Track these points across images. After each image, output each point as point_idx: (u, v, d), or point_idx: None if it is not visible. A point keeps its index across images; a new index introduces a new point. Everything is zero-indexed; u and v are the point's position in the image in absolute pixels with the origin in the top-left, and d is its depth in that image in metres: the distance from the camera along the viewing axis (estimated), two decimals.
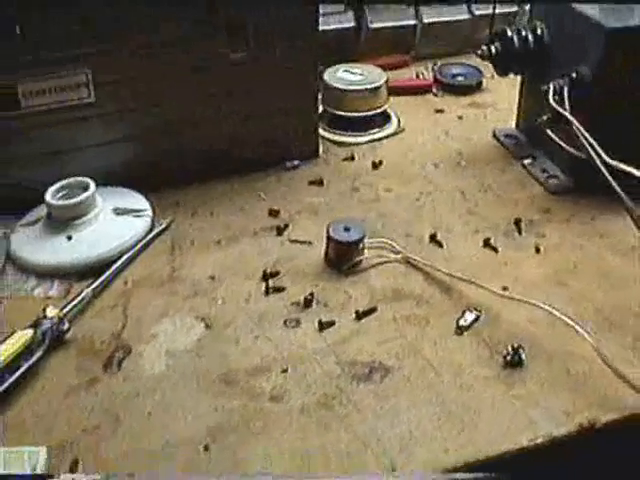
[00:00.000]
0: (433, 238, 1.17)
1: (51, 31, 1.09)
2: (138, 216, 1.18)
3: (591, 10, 1.20)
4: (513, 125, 1.48)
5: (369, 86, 1.44)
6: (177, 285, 1.09)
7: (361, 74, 1.47)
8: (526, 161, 1.36)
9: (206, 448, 0.85)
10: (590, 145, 1.10)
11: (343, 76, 1.46)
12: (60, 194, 1.15)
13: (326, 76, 1.45)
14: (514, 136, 1.45)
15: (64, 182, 1.16)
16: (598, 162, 1.07)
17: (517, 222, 1.20)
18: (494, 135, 1.46)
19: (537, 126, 1.23)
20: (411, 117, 1.54)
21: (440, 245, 1.16)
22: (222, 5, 1.16)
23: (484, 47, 1.33)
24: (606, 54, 1.16)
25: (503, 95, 1.57)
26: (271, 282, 1.08)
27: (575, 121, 1.13)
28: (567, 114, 1.15)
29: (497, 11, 1.75)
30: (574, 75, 1.20)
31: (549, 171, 1.33)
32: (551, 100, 1.18)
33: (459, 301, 1.05)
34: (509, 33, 1.30)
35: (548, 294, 1.06)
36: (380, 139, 1.46)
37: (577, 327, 0.94)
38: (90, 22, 1.11)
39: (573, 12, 1.22)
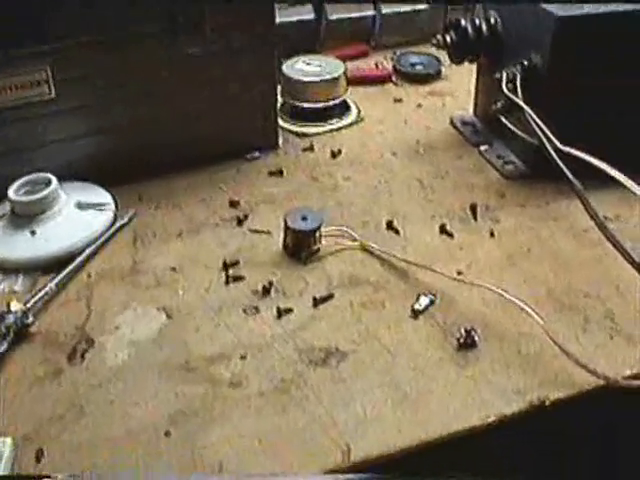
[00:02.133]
0: (390, 225, 1.19)
1: (7, 29, 1.10)
2: (101, 210, 1.20)
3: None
4: (471, 112, 1.50)
5: (327, 77, 1.46)
6: (139, 277, 1.10)
7: (319, 65, 1.48)
8: (482, 147, 1.39)
9: (167, 434, 0.87)
10: (542, 131, 1.12)
11: (302, 67, 1.48)
12: (23, 190, 1.16)
13: (285, 68, 1.47)
14: (471, 123, 1.47)
15: (27, 178, 1.17)
16: (549, 148, 1.10)
17: (473, 207, 1.22)
18: (451, 122, 1.49)
19: (492, 113, 1.26)
20: (370, 107, 1.56)
21: (397, 232, 1.18)
22: (180, 2, 1.17)
23: (439, 36, 1.35)
24: (556, 42, 1.18)
25: (462, 83, 1.58)
26: (231, 271, 1.10)
27: (527, 108, 1.16)
28: (519, 101, 1.18)
29: None
30: (526, 63, 1.22)
31: (505, 157, 1.35)
32: (504, 88, 1.21)
33: (414, 286, 1.07)
34: (463, 22, 1.32)
35: (502, 277, 1.09)
36: (339, 129, 1.47)
37: (527, 309, 0.97)
38: (47, 20, 1.12)
39: (525, 1, 1.24)
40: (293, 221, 1.11)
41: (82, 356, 0.98)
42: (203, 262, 1.13)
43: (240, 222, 1.20)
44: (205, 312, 1.04)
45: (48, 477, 0.83)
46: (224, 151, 1.34)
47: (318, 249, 1.13)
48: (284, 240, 1.14)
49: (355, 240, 1.15)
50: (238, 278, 1.09)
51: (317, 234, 1.12)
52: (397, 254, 1.11)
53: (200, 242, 1.17)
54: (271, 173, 1.33)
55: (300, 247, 1.12)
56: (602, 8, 1.20)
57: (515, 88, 1.20)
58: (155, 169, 1.29)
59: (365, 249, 1.14)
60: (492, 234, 1.17)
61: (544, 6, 1.19)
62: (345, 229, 1.16)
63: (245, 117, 1.34)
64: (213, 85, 1.29)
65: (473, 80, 1.47)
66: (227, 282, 1.09)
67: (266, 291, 1.06)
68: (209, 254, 1.14)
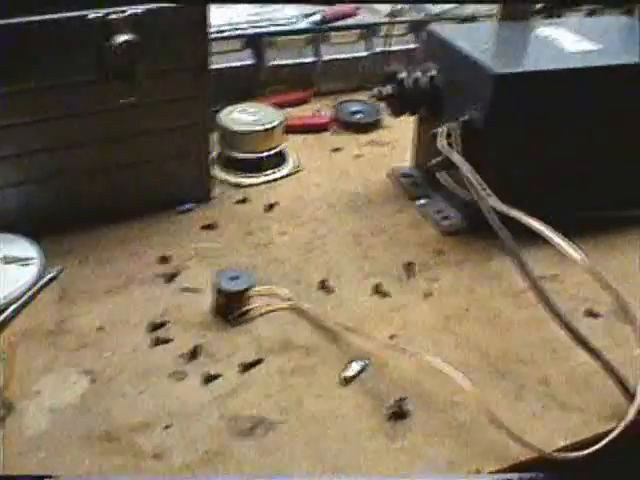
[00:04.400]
0: (323, 284, 1.16)
1: None
2: (26, 264, 1.16)
3: (481, 54, 1.21)
4: (410, 164, 1.48)
5: (264, 127, 1.43)
6: (64, 337, 1.06)
7: (256, 114, 1.45)
8: (421, 201, 1.37)
9: None
10: (478, 189, 1.10)
11: (238, 117, 1.44)
12: None
13: (221, 117, 1.44)
14: (411, 175, 1.45)
15: None
16: (484, 207, 1.08)
17: (409, 266, 1.20)
18: (391, 174, 1.46)
19: (430, 169, 1.24)
20: (308, 156, 1.53)
21: (330, 292, 1.15)
22: (110, 51, 1.14)
23: (377, 89, 1.33)
24: (494, 99, 1.17)
25: (403, 132, 1.55)
26: (158, 333, 1.07)
27: (463, 166, 1.14)
28: (456, 158, 1.16)
29: (396, 48, 1.76)
30: (464, 119, 1.20)
31: (443, 212, 1.33)
32: (440, 144, 1.19)
33: (346, 351, 1.04)
34: (401, 75, 1.31)
35: (436, 341, 1.07)
36: (275, 180, 1.45)
37: (459, 378, 0.94)
38: None
39: (463, 55, 1.23)
40: (223, 281, 1.08)
41: (1, 422, 0.94)
42: (130, 322, 1.09)
43: (170, 279, 1.17)
44: (130, 377, 1.00)
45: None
46: (156, 202, 1.31)
47: (248, 310, 1.09)
48: (214, 300, 1.10)
49: (287, 300, 1.12)
50: (166, 340, 1.06)
51: (247, 295, 1.09)
52: (330, 316, 1.09)
53: (128, 300, 1.13)
54: (204, 227, 1.29)
55: (230, 308, 1.09)
56: (540, 65, 1.20)
57: (452, 144, 1.19)
58: (85, 220, 1.25)
59: (297, 310, 1.11)
60: (428, 294, 1.16)
61: (482, 62, 1.18)
62: (277, 289, 1.13)
63: (177, 168, 1.31)
64: (144, 136, 1.25)
65: (414, 130, 1.44)
66: (154, 344, 1.05)
67: (194, 355, 1.03)
68: (137, 313, 1.10)
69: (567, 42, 1.28)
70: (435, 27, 1.36)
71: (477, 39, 1.27)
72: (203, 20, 1.22)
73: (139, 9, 1.15)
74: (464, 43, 1.25)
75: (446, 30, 1.34)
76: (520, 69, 1.20)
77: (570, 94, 1.19)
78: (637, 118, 1.24)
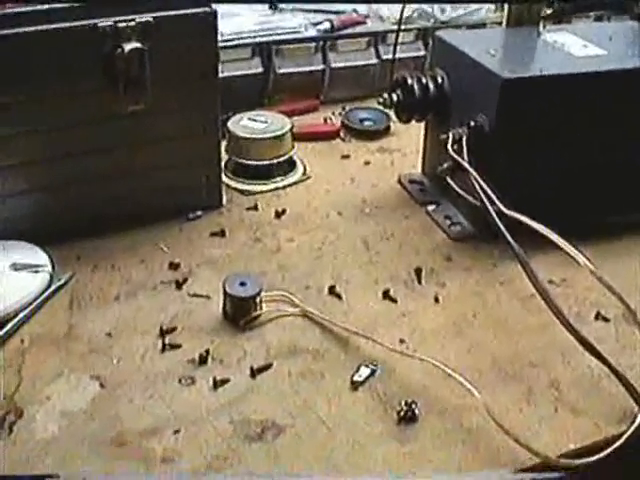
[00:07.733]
0: (332, 290, 1.16)
1: None
2: (37, 271, 1.16)
3: (488, 59, 1.21)
4: (419, 170, 1.48)
5: (273, 134, 1.43)
6: (74, 343, 1.07)
7: (265, 122, 1.46)
8: (430, 207, 1.37)
9: None
10: (485, 194, 1.10)
11: (247, 124, 1.45)
12: None
13: (230, 125, 1.44)
14: (419, 182, 1.45)
15: None
16: (492, 211, 1.08)
17: (417, 271, 1.20)
18: (399, 181, 1.47)
19: (439, 174, 1.24)
20: (317, 164, 1.53)
21: (339, 297, 1.15)
22: (119, 59, 1.14)
23: (385, 95, 1.33)
24: (502, 104, 1.17)
25: (411, 139, 1.56)
26: (167, 338, 1.07)
27: (472, 170, 1.14)
28: (465, 163, 1.16)
29: (405, 55, 1.76)
30: (473, 124, 1.20)
31: (452, 218, 1.33)
32: (450, 149, 1.19)
33: (355, 355, 1.05)
34: (410, 81, 1.31)
35: (445, 345, 1.07)
36: (284, 187, 1.45)
37: (467, 384, 0.94)
38: None
39: (471, 61, 1.23)
40: (232, 287, 1.08)
41: (10, 428, 0.94)
42: (140, 328, 1.09)
43: (179, 285, 1.17)
44: (139, 382, 1.00)
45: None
46: (166, 209, 1.31)
47: (258, 315, 1.10)
48: (223, 306, 1.11)
49: (296, 306, 1.12)
50: (175, 346, 1.06)
51: (257, 300, 1.09)
52: (338, 321, 1.09)
53: (137, 306, 1.13)
54: (213, 234, 1.30)
55: (239, 313, 1.09)
56: (548, 70, 1.20)
57: (461, 149, 1.19)
58: (95, 227, 1.26)
59: (306, 315, 1.11)
60: (437, 299, 1.15)
61: (490, 67, 1.18)
62: (286, 294, 1.14)
63: (187, 175, 1.31)
64: (155, 142, 1.26)
65: (422, 137, 1.45)
66: (163, 350, 1.05)
67: (203, 360, 1.03)
68: (146, 319, 1.11)
69: (574, 47, 1.28)
70: (442, 33, 1.37)
71: (484, 45, 1.27)
72: (212, 27, 1.22)
73: (148, 17, 1.15)
74: (471, 49, 1.26)
75: (453, 36, 1.35)
76: (527, 74, 1.20)
77: (577, 99, 1.19)
78: None
